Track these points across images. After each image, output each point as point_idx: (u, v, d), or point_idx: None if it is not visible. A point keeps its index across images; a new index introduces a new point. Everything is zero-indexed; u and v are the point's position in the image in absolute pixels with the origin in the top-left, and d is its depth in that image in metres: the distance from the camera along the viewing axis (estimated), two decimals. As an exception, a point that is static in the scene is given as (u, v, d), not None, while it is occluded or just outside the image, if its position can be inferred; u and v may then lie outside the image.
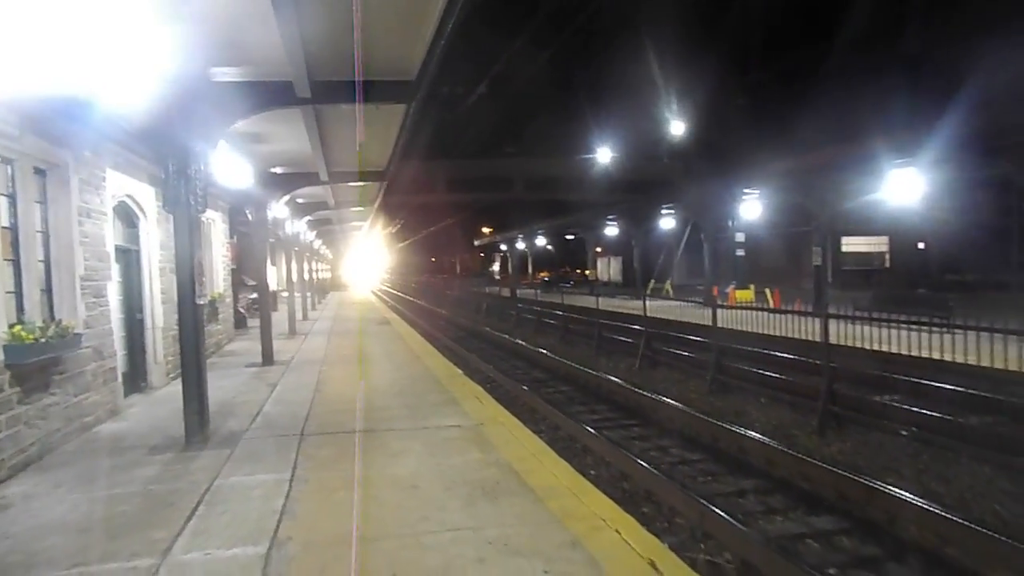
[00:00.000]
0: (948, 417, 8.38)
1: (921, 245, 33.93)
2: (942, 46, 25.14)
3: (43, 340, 6.19)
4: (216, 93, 6.87)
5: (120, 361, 8.72)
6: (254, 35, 5.89)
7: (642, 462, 7.61)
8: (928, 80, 24.69)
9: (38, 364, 6.26)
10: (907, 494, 6.19)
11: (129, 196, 9.39)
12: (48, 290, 7.01)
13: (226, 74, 6.80)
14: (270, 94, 6.99)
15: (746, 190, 22.11)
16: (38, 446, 6.31)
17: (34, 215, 6.74)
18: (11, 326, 6.01)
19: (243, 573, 3.96)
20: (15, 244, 6.41)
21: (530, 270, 52.92)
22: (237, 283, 19.39)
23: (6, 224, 6.27)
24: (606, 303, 19.13)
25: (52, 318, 6.86)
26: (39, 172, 6.87)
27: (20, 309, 6.44)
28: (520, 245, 44.42)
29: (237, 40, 6.07)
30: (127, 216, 9.67)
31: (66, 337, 6.67)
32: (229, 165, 10.16)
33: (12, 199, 6.39)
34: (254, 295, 25.76)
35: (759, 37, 34.17)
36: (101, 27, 5.38)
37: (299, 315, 20.98)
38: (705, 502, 6.22)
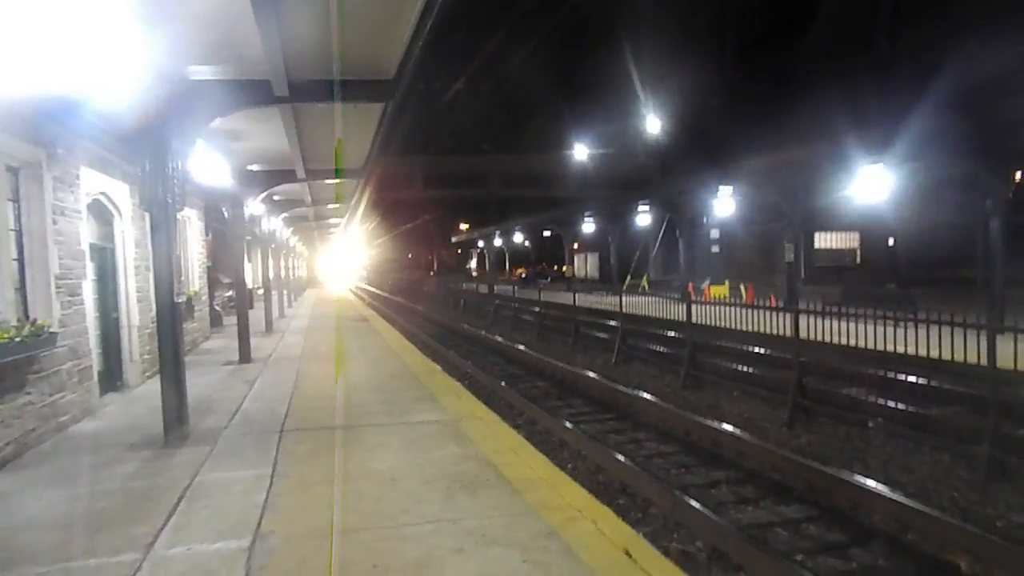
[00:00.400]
0: (911, 409, 8.66)
1: (891, 241, 34.59)
2: (913, 48, 25.67)
3: (18, 339, 6.18)
4: (194, 91, 6.87)
5: (95, 360, 8.68)
6: (233, 34, 5.91)
7: (617, 455, 7.77)
8: (898, 81, 25.20)
9: (13, 363, 6.23)
10: (871, 482, 6.42)
11: (103, 194, 9.33)
12: (22, 289, 6.97)
13: (204, 72, 6.79)
14: (248, 93, 7.00)
15: (721, 187, 22.41)
16: (14, 445, 6.29)
17: (7, 214, 6.71)
18: (-14, 325, 5.99)
19: (226, 566, 4.03)
20: (-11, 243, 6.38)
21: (507, 267, 53.04)
22: (212, 281, 19.25)
23: (-20, 222, 6.24)
24: (583, 299, 19.32)
25: (27, 317, 6.83)
26: (11, 170, 6.84)
27: (-6, 308, 6.41)
28: (497, 242, 44.50)
29: (215, 39, 6.09)
30: (102, 214, 9.60)
31: (41, 336, 6.65)
32: (206, 163, 10.14)
33: (-14, 197, 6.35)
34: (229, 293, 25.58)
35: (735, 37, 34.55)
36: (78, 25, 5.36)
37: (275, 313, 20.87)
38: (678, 492, 6.39)
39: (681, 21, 37.27)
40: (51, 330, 6.94)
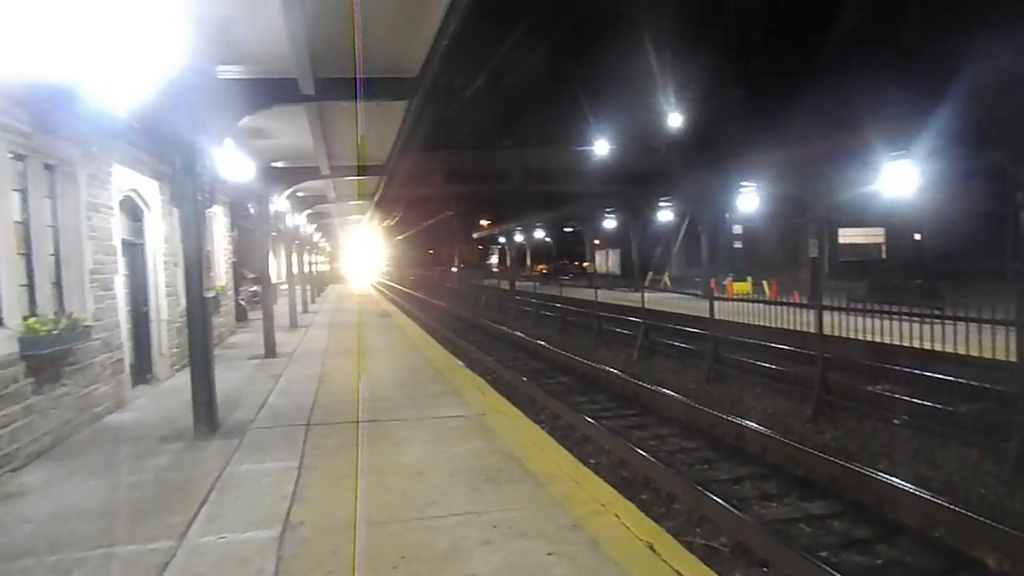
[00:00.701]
0: (938, 405, 8.58)
1: (917, 236, 34.11)
2: (936, 37, 25.23)
3: (55, 332, 6.34)
4: (222, 90, 7.00)
5: (127, 353, 8.87)
6: (261, 33, 6.02)
7: (640, 450, 7.80)
8: (922, 71, 24.78)
9: (51, 356, 6.41)
10: (896, 479, 6.38)
11: (134, 191, 9.51)
12: (58, 283, 7.15)
13: (232, 71, 6.93)
14: (275, 91, 7.12)
15: (744, 182, 22.25)
16: (51, 436, 6.48)
17: (44, 210, 6.88)
18: (25, 318, 6.16)
19: (258, 555, 4.12)
20: (27, 239, 6.55)
21: (528, 262, 53.11)
22: (237, 276, 19.53)
23: (19, 219, 6.41)
24: (604, 295, 19.33)
25: (62, 311, 7.00)
26: (48, 168, 7.00)
27: (32, 302, 6.59)
28: (518, 237, 44.55)
29: (244, 39, 6.20)
30: (132, 210, 9.79)
31: (77, 329, 6.82)
32: (232, 160, 10.29)
33: (24, 195, 6.52)
34: (254, 288, 25.93)
35: (756, 28, 34.17)
36: (113, 26, 5.50)
37: (299, 308, 21.12)
38: (701, 488, 6.40)
39: (703, 13, 36.96)
40: (86, 323, 7.12)
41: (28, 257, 6.56)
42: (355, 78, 7.00)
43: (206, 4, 5.57)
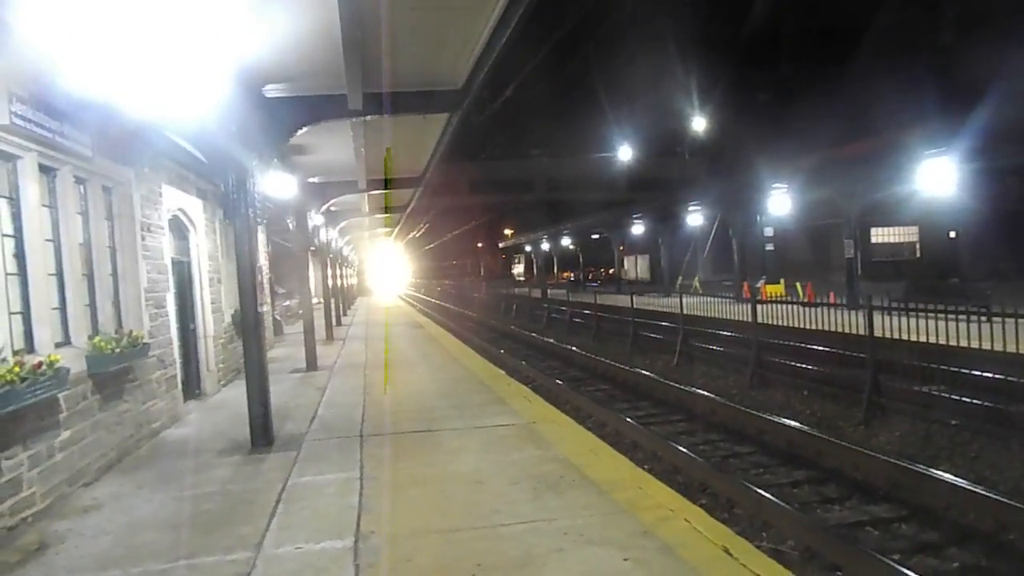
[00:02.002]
0: (996, 406, 8.39)
1: (952, 235, 33.49)
2: (975, 35, 24.85)
3: (118, 350, 6.48)
4: (270, 109, 7.14)
5: (178, 369, 9.03)
6: (312, 51, 6.13)
7: (694, 455, 7.74)
8: (962, 69, 24.40)
9: (114, 373, 6.56)
10: (962, 481, 6.26)
11: (181, 210, 9.71)
12: (116, 302, 7.31)
13: (283, 89, 7.06)
14: (324, 107, 7.25)
15: (775, 185, 22.04)
16: (116, 450, 6.62)
17: (103, 231, 7.05)
18: (90, 337, 6.32)
19: (335, 564, 4.17)
20: (88, 259, 6.73)
21: (555, 271, 53.06)
22: (272, 291, 19.80)
23: (81, 241, 6.58)
24: (636, 301, 19.24)
25: (121, 329, 7.16)
26: (106, 190, 7.18)
27: (94, 321, 6.75)
28: (545, 246, 44.55)
29: (295, 56, 6.32)
30: (179, 229, 9.99)
31: (137, 347, 6.96)
32: (275, 177, 10.46)
33: (85, 216, 6.70)
34: (287, 302, 26.27)
35: (785, 29, 33.96)
36: (168, 49, 5.65)
37: (332, 321, 21.32)
38: (762, 492, 6.34)
39: (729, 15, 36.83)
40: (144, 341, 7.26)
41: (89, 277, 6.73)
42: (403, 91, 7.10)
43: (262, 26, 5.69)
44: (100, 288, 6.88)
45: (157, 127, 7.55)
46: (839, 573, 5.09)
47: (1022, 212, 28.50)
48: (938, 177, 17.12)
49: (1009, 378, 8.86)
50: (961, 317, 9.67)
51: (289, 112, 7.42)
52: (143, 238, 7.79)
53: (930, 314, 10.34)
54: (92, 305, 6.75)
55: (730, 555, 4.07)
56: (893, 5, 27.97)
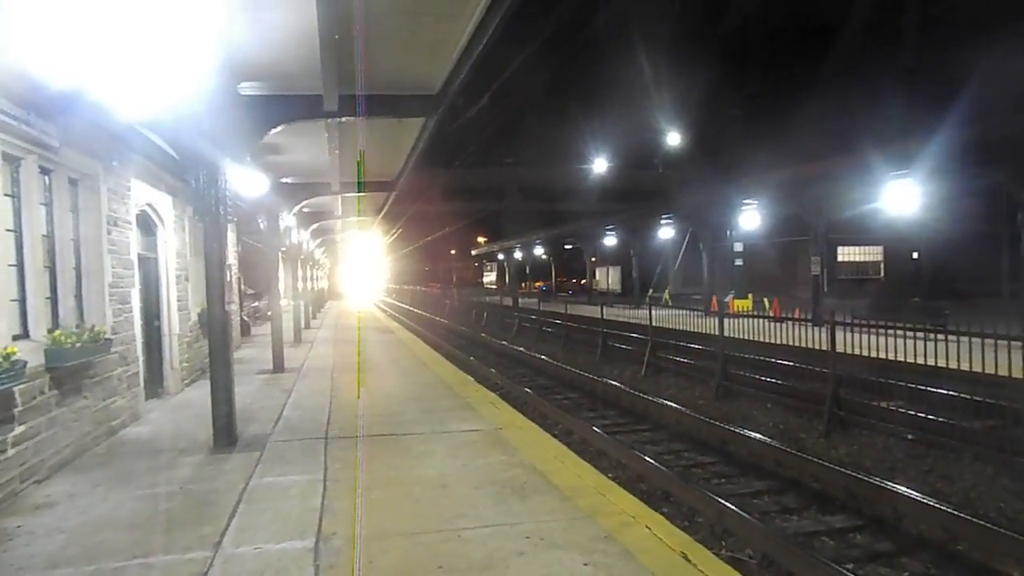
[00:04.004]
0: (950, 421, 8.64)
1: (915, 255, 34.36)
2: (937, 57, 25.61)
3: (79, 344, 6.36)
4: (246, 106, 7.09)
5: (141, 367, 8.87)
6: (289, 51, 6.11)
7: (658, 464, 7.82)
8: (923, 90, 25.13)
9: (73, 368, 6.42)
10: (915, 492, 6.43)
11: (149, 205, 9.56)
12: (79, 296, 7.18)
13: (255, 88, 7.02)
14: (299, 107, 7.22)
15: (745, 200, 22.42)
16: (72, 448, 6.48)
17: (68, 224, 6.93)
18: (50, 331, 6.19)
19: (295, 565, 4.14)
20: (51, 252, 6.60)
21: (527, 280, 53.17)
22: (240, 292, 19.55)
23: (45, 233, 6.45)
24: (606, 312, 19.39)
25: (83, 324, 7.02)
26: (72, 182, 7.06)
27: (55, 315, 6.62)
28: (517, 255, 44.68)
29: (271, 56, 6.30)
30: (147, 225, 9.83)
31: (99, 342, 6.84)
32: (246, 175, 10.35)
33: (49, 208, 6.57)
34: (256, 303, 25.95)
35: (755, 47, 34.63)
36: (140, 42, 5.59)
37: (301, 324, 21.11)
38: (724, 501, 6.43)
39: (701, 32, 37.42)
40: (106, 336, 7.13)
41: (52, 270, 6.60)
42: (379, 94, 7.10)
43: (237, 25, 5.66)
44: (62, 281, 6.75)
45: (127, 120, 7.45)
46: (795, 581, 5.19)
47: (981, 233, 29.38)
48: (902, 198, 17.60)
49: (962, 395, 9.13)
50: (919, 335, 9.91)
51: (264, 110, 7.38)
52: (109, 232, 7.66)
53: (889, 332, 10.62)
54: (53, 299, 6.62)
55: (688, 561, 4.14)
56: (862, 23, 28.71)
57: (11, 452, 5.35)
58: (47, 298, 6.44)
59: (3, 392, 5.12)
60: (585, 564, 4.10)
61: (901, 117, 22.86)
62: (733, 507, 6.25)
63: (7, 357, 5.04)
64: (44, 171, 6.44)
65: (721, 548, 5.81)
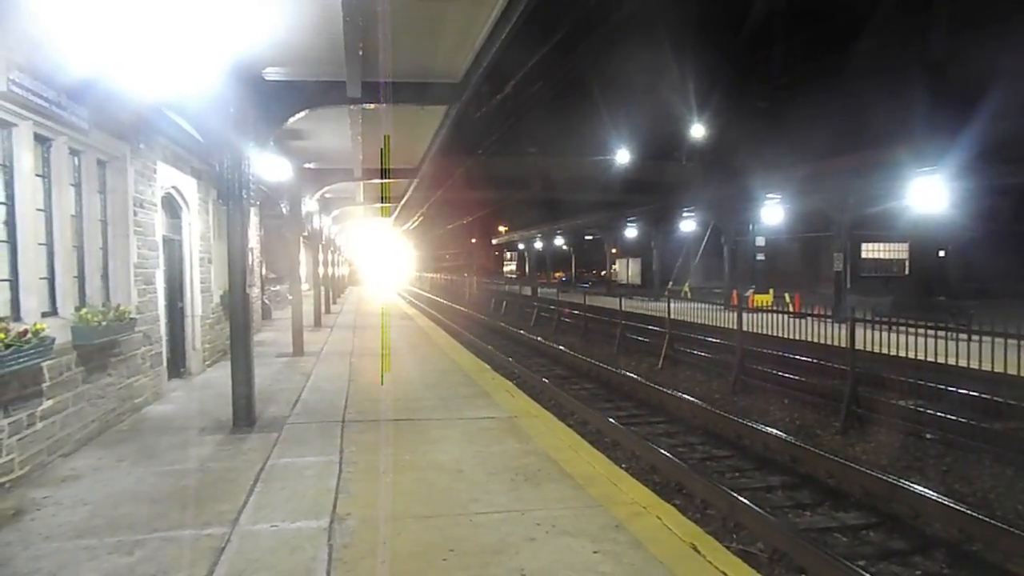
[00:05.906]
0: (970, 421, 8.54)
1: (941, 252, 33.79)
2: (965, 53, 25.07)
3: (105, 323, 6.50)
4: (271, 91, 7.16)
5: (164, 347, 9.04)
6: (313, 37, 6.16)
7: (672, 456, 7.83)
8: (951, 87, 24.63)
9: (99, 346, 6.58)
10: (931, 492, 6.38)
11: (174, 188, 9.70)
12: (105, 276, 7.33)
13: (281, 73, 7.09)
14: (323, 93, 7.28)
15: (769, 195, 22.20)
16: (97, 423, 6.65)
17: (96, 204, 7.07)
18: (77, 309, 6.34)
19: (309, 543, 4.22)
20: (79, 232, 6.74)
21: (548, 270, 53.15)
22: (261, 275, 19.78)
23: (73, 213, 6.59)
24: (625, 304, 19.34)
25: (109, 303, 7.17)
26: (100, 164, 7.20)
27: (82, 293, 6.76)
28: (537, 244, 44.66)
29: (296, 41, 6.35)
30: (171, 207, 9.97)
31: (124, 321, 6.98)
32: (270, 160, 10.47)
33: (78, 189, 6.71)
34: (277, 287, 26.23)
35: (781, 40, 34.12)
36: (169, 26, 5.68)
37: (321, 309, 21.33)
38: (736, 494, 6.43)
39: (728, 24, 36.97)
40: (131, 316, 7.28)
41: (79, 250, 6.74)
42: (402, 81, 7.14)
43: (264, 10, 5.72)
44: (89, 261, 6.89)
45: (155, 104, 7.57)
46: (804, 575, 5.18)
47: (1010, 232, 28.82)
48: (929, 194, 17.33)
49: (983, 395, 9.02)
50: (941, 334, 9.79)
51: (288, 96, 7.45)
52: (135, 214, 7.80)
53: (911, 330, 10.50)
54: (81, 277, 6.76)
55: (698, 552, 4.16)
56: (889, 16, 28.16)
57: (39, 425, 5.50)
58: (75, 277, 6.59)
59: (33, 367, 5.26)
60: (595, 552, 4.14)
61: (928, 113, 22.42)
62: (745, 500, 6.25)
63: (36, 333, 5.17)
64: (74, 152, 6.57)
65: (732, 541, 5.82)
